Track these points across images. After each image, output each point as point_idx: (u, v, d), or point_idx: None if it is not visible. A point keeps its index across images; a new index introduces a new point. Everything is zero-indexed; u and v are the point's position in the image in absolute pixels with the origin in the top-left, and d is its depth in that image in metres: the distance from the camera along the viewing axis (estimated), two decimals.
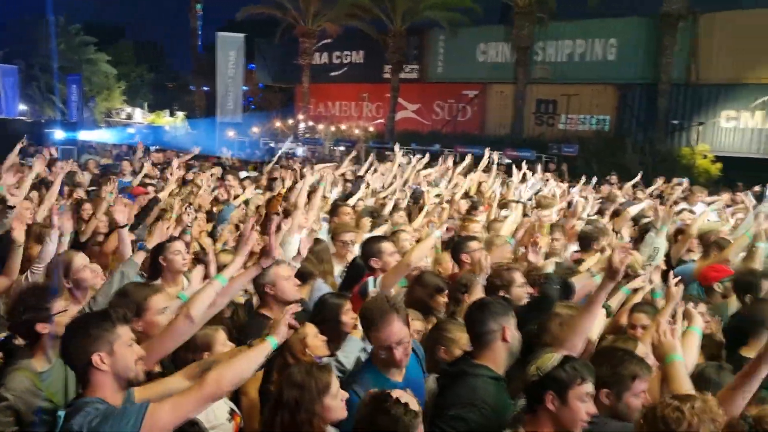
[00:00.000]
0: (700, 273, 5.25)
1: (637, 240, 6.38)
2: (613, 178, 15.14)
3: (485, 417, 2.75)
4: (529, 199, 9.14)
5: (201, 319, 2.92)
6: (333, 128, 32.44)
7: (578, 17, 26.28)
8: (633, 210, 7.59)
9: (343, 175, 10.82)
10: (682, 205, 9.79)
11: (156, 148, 21.88)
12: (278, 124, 34.46)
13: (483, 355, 2.97)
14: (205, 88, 37.96)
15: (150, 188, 7.97)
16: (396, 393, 2.46)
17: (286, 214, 5.49)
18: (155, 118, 44.20)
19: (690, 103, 24.25)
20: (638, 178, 13.02)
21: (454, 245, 5.17)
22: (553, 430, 2.53)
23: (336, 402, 2.67)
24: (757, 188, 14.11)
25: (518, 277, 4.13)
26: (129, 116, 43.86)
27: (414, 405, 2.82)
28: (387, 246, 4.57)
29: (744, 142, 23.31)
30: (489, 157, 11.01)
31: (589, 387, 2.54)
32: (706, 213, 7.62)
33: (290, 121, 34.59)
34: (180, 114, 45.17)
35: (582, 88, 26.31)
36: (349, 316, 3.72)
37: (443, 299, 4.22)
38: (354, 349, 3.43)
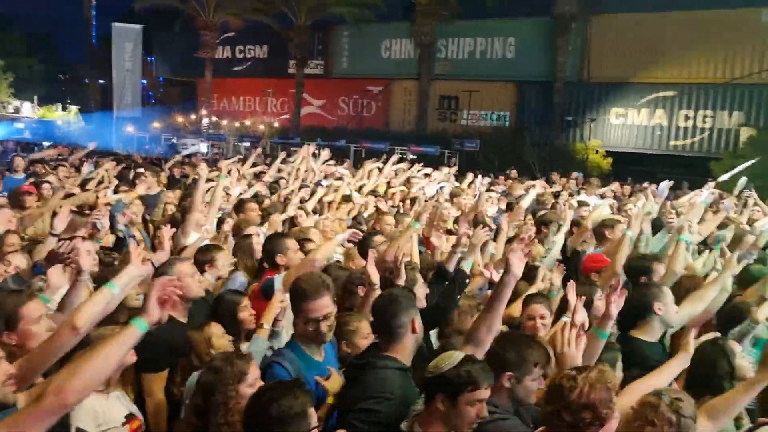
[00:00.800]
0: (584, 263, 5.43)
1: (536, 232, 6.56)
2: (513, 173, 15.66)
3: (395, 408, 2.75)
4: (433, 197, 9.28)
5: (88, 329, 2.65)
6: (237, 124, 31.86)
7: (479, 17, 27.00)
8: (525, 203, 7.83)
9: (260, 173, 10.61)
10: (579, 197, 10.19)
11: (48, 145, 20.75)
12: (180, 119, 33.48)
13: (392, 347, 2.96)
14: (101, 82, 36.34)
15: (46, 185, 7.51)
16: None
17: (184, 212, 5.35)
18: (45, 112, 41.87)
19: (583, 101, 25.48)
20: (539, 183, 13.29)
21: (361, 241, 5.22)
22: (443, 429, 2.54)
23: (252, 391, 2.60)
24: (645, 185, 14.89)
25: (419, 277, 4.13)
26: (17, 110, 41.36)
27: (337, 383, 2.97)
28: (291, 243, 4.54)
29: (631, 138, 24.75)
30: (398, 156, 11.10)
31: (482, 393, 2.51)
32: (601, 206, 7.99)
33: (192, 117, 33.68)
34: (73, 108, 43.00)
35: (483, 85, 27.10)
36: (246, 313, 3.65)
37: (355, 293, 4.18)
38: (260, 349, 3.37)
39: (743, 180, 9.58)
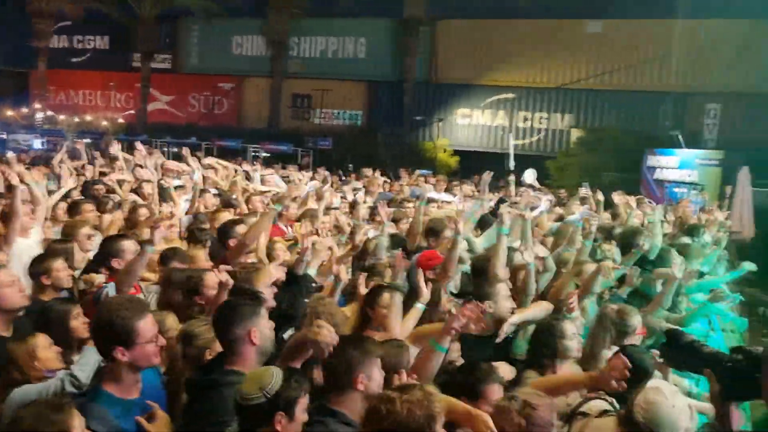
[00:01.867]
0: (419, 260, 5.60)
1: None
2: (368, 171, 15.95)
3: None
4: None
5: None
6: (77, 119, 29.86)
7: (331, 15, 27.21)
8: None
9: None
10: (430, 194, 10.61)
11: None
12: (10, 112, 30.78)
13: (233, 359, 2.83)
14: None
15: None
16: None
17: (4, 218, 4.97)
18: None
19: (431, 101, 26.48)
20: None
21: (221, 231, 5.21)
22: None
23: None
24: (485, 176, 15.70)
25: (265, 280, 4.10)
26: None
27: (163, 424, 2.67)
28: (129, 244, 4.34)
29: (476, 138, 26.10)
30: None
31: (306, 398, 2.49)
32: (452, 204, 8.41)
33: (25, 110, 31.11)
34: None
35: (335, 83, 27.36)
36: (79, 321, 3.46)
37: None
38: (91, 361, 3.10)
39: (530, 171, 10.36)
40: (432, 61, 26.64)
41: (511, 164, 11.57)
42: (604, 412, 2.79)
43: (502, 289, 4.23)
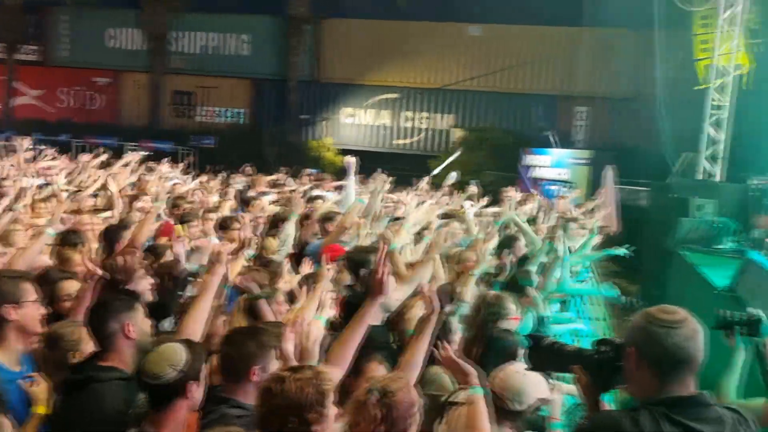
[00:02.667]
0: (320, 252, 5.75)
1: (271, 227, 6.77)
2: (248, 169, 15.75)
3: (117, 425, 2.60)
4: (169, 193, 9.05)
5: None
6: None
7: (212, 10, 26.56)
8: (266, 199, 8.08)
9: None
10: (315, 192, 10.68)
11: None
12: None
13: (108, 356, 2.84)
14: None
15: None
16: None
17: None
18: None
19: (317, 100, 26.50)
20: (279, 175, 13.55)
21: (107, 234, 5.01)
22: (186, 413, 2.55)
23: None
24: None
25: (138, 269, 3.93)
26: None
27: (44, 389, 2.75)
28: None
29: (361, 137, 26.42)
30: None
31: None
32: (330, 200, 8.48)
33: None
34: None
35: (219, 81, 26.77)
36: None
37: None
38: None
39: (453, 174, 10.79)
40: (317, 59, 26.64)
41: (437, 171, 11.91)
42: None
43: (390, 282, 4.35)
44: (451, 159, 11.73)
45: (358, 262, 4.85)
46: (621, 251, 8.23)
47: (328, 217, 6.47)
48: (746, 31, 12.70)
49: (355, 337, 2.97)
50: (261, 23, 26.82)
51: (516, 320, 4.44)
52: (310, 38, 26.24)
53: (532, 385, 2.81)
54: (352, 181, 8.28)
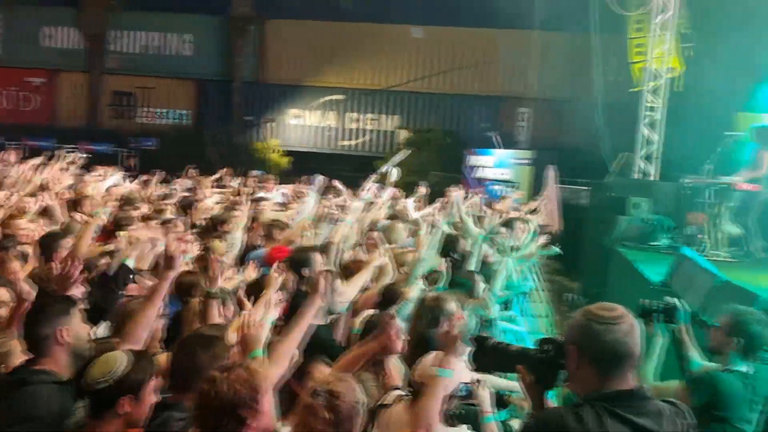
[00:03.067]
0: (267, 256, 5.69)
1: (208, 230, 6.69)
2: (192, 171, 15.46)
3: (48, 428, 2.60)
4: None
5: None
6: None
7: (153, 9, 26.00)
8: (209, 202, 7.99)
9: None
10: (260, 194, 10.60)
11: None
12: None
13: (42, 360, 2.82)
14: None
15: None
16: None
17: None
18: None
19: (262, 101, 26.25)
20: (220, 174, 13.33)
21: (44, 244, 4.85)
22: (121, 428, 2.52)
23: None
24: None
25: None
26: None
27: None
28: None
29: (307, 138, 26.32)
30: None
31: (154, 380, 2.59)
32: (272, 202, 8.45)
33: None
34: None
35: (160, 81, 26.21)
36: None
37: None
38: None
39: (394, 170, 10.85)
40: (261, 60, 26.39)
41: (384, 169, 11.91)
42: (399, 398, 2.92)
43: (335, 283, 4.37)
44: (398, 157, 11.71)
45: (299, 261, 4.87)
46: (553, 250, 8.45)
47: (275, 224, 6.44)
48: (678, 35, 13.21)
49: (296, 335, 2.99)
50: (203, 23, 26.41)
51: (460, 318, 4.51)
52: (255, 39, 25.99)
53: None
54: (312, 198, 8.24)
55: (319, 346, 3.74)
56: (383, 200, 8.42)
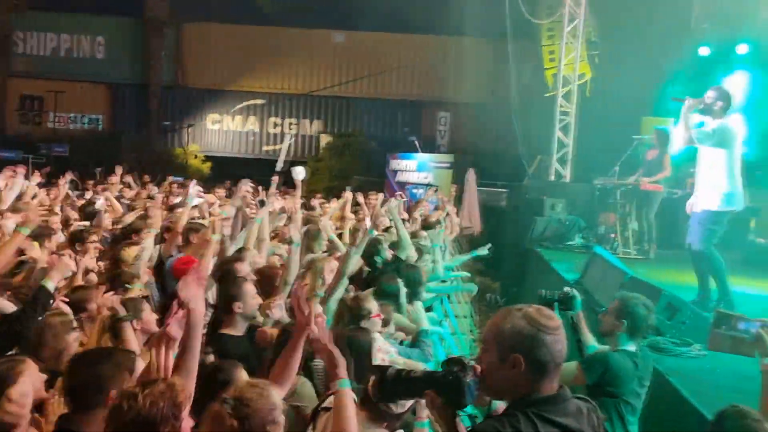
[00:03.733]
0: (174, 268, 5.42)
1: (117, 240, 6.47)
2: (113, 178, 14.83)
3: None
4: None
5: None
6: None
7: (63, 9, 24.97)
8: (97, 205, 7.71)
9: None
10: (178, 200, 10.29)
11: None
12: None
13: None
14: None
15: None
16: None
17: None
18: None
19: (180, 106, 25.66)
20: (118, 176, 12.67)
21: None
22: None
23: None
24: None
25: None
26: None
27: None
28: None
29: (228, 143, 25.90)
30: None
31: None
32: (187, 209, 8.25)
33: None
34: None
35: (71, 85, 25.15)
36: None
37: None
38: None
39: (300, 168, 10.88)
40: (179, 64, 25.76)
41: (279, 166, 11.83)
42: None
43: (250, 289, 4.32)
44: (285, 146, 11.66)
45: (224, 273, 4.83)
46: (484, 251, 8.67)
47: (192, 228, 6.29)
48: (587, 43, 13.81)
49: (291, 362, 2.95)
50: (117, 25, 25.54)
51: (378, 317, 4.56)
52: (172, 42, 25.34)
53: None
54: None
55: (239, 358, 3.75)
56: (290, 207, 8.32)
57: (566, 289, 4.20)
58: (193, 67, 25.70)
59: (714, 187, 6.10)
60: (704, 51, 13.17)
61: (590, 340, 4.21)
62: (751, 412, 2.68)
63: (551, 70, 14.46)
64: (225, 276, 4.77)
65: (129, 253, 5.63)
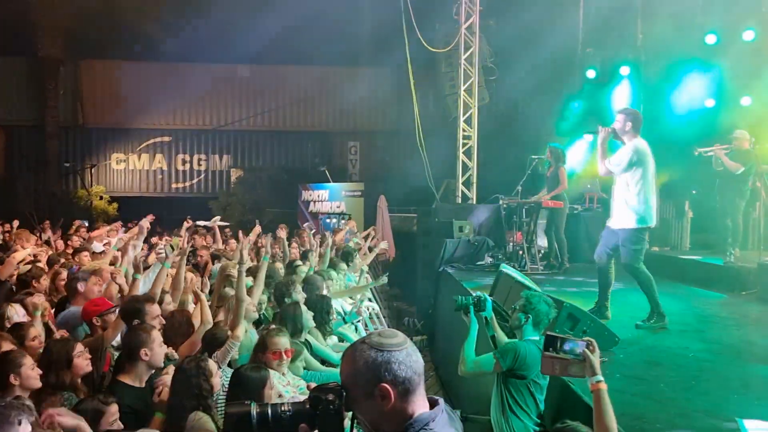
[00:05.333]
0: (84, 311, 5.20)
1: (21, 287, 6.20)
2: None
3: None
4: None
5: None
6: None
7: None
8: (18, 256, 7.39)
9: None
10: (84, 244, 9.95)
11: None
12: None
13: None
14: None
15: None
16: None
17: None
18: None
19: (81, 147, 24.76)
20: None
21: None
22: None
23: None
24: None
25: None
26: None
27: None
28: None
29: (135, 183, 25.17)
30: None
31: None
32: (108, 253, 7.99)
33: None
34: None
35: None
36: None
37: None
38: None
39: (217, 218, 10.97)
40: (78, 103, 24.87)
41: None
42: None
43: (157, 337, 4.20)
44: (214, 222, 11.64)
45: (132, 312, 4.72)
46: (383, 281, 8.92)
47: (78, 278, 6.01)
48: (483, 69, 14.37)
49: None
50: (8, 65, 24.37)
51: (283, 356, 4.56)
52: (69, 81, 24.45)
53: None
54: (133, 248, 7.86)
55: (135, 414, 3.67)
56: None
57: (478, 293, 4.76)
58: (93, 105, 24.84)
59: (630, 206, 6.24)
60: (591, 74, 14.00)
61: (502, 335, 4.88)
62: (580, 426, 2.88)
63: (452, 96, 14.94)
64: (132, 317, 4.64)
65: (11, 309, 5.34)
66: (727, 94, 11.47)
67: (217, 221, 11.64)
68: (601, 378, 2.96)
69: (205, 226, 11.96)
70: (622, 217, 6.35)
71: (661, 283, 7.19)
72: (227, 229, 14.56)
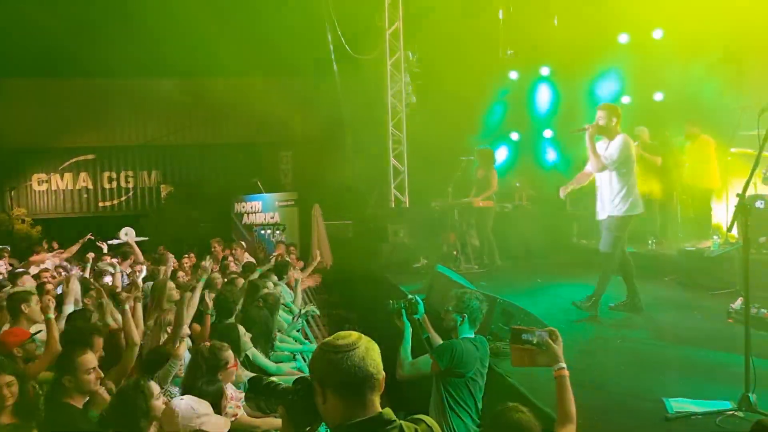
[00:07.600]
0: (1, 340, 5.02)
1: None
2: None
3: None
4: None
5: None
6: None
7: None
8: None
9: None
10: (20, 269, 9.61)
11: None
12: None
13: None
14: None
15: None
16: None
17: None
18: None
19: None
20: None
21: None
22: None
23: None
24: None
25: None
26: None
27: None
28: None
29: (59, 203, 24.24)
30: None
31: None
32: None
33: None
34: None
35: None
36: None
37: None
38: None
39: (129, 229, 10.74)
40: None
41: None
42: None
43: (90, 362, 4.11)
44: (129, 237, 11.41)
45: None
46: (314, 311, 8.95)
47: (20, 299, 5.88)
48: (410, 73, 14.53)
49: None
50: None
51: (234, 367, 4.58)
52: None
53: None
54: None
55: None
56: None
57: (410, 296, 4.78)
58: (7, 125, 23.69)
59: (619, 195, 6.54)
60: (514, 75, 14.37)
61: (436, 337, 4.96)
62: (518, 407, 3.04)
63: (380, 101, 15.04)
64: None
65: None
66: (640, 91, 11.98)
67: (130, 234, 11.31)
68: (564, 365, 3.14)
69: (119, 245, 11.71)
70: (611, 206, 6.63)
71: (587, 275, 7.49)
72: (160, 247, 14.28)
